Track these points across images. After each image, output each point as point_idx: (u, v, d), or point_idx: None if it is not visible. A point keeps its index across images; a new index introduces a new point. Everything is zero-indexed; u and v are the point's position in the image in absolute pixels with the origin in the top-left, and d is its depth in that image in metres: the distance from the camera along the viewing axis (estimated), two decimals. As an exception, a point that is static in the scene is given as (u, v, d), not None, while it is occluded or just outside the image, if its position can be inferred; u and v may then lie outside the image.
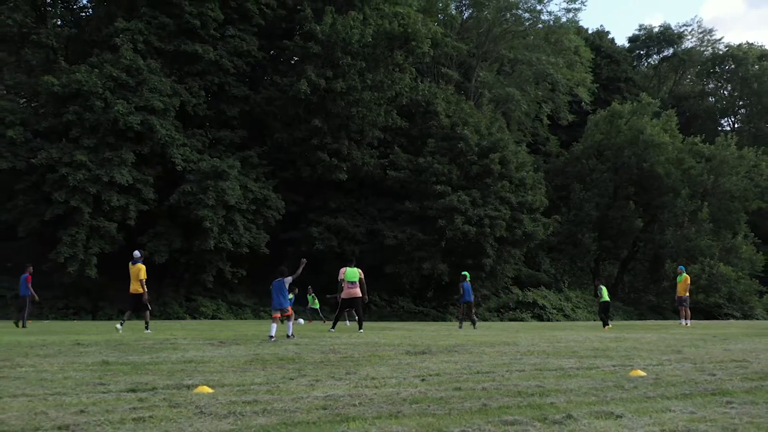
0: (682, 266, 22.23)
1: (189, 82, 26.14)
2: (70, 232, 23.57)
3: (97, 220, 23.94)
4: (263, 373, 6.13)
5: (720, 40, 51.84)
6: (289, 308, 11.30)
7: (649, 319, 32.98)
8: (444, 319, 29.23)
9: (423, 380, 5.62)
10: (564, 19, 39.19)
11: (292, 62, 27.64)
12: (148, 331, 12.55)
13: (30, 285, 16.63)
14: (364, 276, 14.23)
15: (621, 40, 63.10)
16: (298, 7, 28.15)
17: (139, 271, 12.89)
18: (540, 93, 36.09)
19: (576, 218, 37.35)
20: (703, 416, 3.99)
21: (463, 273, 18.70)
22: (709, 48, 51.43)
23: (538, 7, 36.24)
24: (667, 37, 51.48)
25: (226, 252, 26.22)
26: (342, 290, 14.06)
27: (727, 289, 34.82)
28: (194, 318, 26.31)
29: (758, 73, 47.42)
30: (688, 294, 20.02)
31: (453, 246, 27.99)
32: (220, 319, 26.56)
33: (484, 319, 28.29)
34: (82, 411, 4.09)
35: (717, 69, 50.71)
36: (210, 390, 4.97)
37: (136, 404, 4.33)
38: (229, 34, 26.82)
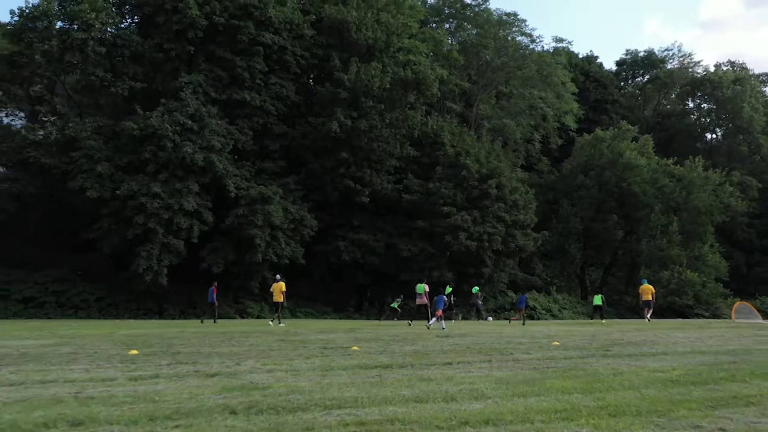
0: (644, 279, 29.63)
1: (239, 124, 32.83)
2: (147, 248, 30.19)
3: (167, 238, 30.58)
4: (370, 344, 12.85)
5: (699, 62, 59.10)
6: (439, 310, 18.65)
7: (626, 318, 39.82)
8: (449, 318, 35.94)
9: (451, 346, 12.37)
10: (553, 48, 46.19)
11: (324, 104, 34.14)
12: (282, 324, 19.76)
13: (215, 294, 24.86)
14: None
15: (610, 62, 69.67)
16: (328, 57, 34.82)
17: (282, 285, 20.34)
18: (532, 123, 42.96)
19: (564, 230, 44.16)
20: (557, 356, 10.73)
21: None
22: (689, 70, 58.51)
23: (531, 46, 43.05)
24: (650, 61, 58.60)
25: (270, 263, 32.92)
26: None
27: (694, 293, 41.63)
28: (242, 317, 33.05)
29: (732, 96, 54.29)
30: (648, 298, 26.94)
31: (457, 257, 34.75)
32: (263, 318, 33.26)
33: (483, 318, 35.00)
34: (322, 350, 10.82)
35: (696, 91, 57.66)
36: (358, 348, 11.70)
37: (338, 352, 11.06)
38: (272, 82, 33.51)
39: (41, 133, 31.29)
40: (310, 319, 33.48)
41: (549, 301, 40.63)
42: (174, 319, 31.83)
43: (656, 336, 15.18)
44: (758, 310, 47.50)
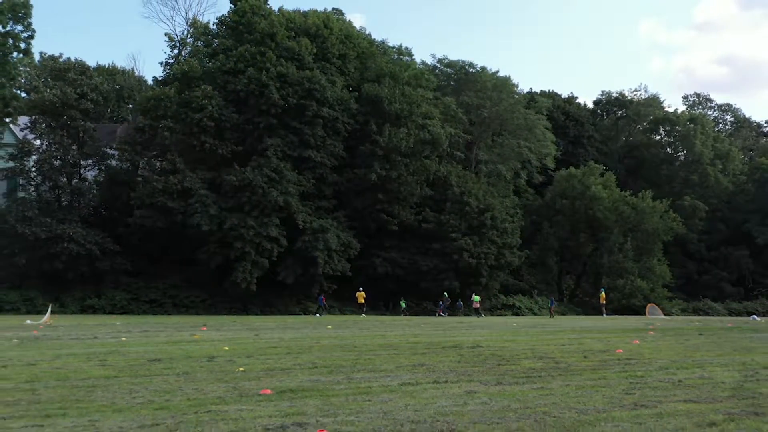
0: (603, 288, 46.58)
1: (305, 174, 48.65)
2: (242, 265, 45.93)
3: (256, 257, 46.39)
4: (426, 326, 28.81)
5: (662, 101, 76.10)
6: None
7: (590, 316, 56.03)
8: (453, 315, 51.97)
9: (464, 325, 28.42)
10: (540, 91, 62.31)
11: (364, 159, 49.96)
12: (365, 316, 35.72)
13: (325, 300, 42.52)
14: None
15: (594, 93, 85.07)
16: (367, 123, 50.71)
17: (363, 294, 37.00)
18: (519, 165, 59.21)
19: (545, 246, 60.41)
20: (510, 328, 26.77)
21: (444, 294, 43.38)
22: (654, 108, 75.13)
23: (518, 98, 59.16)
24: (621, 102, 75.26)
25: (326, 275, 48.80)
26: (472, 304, 38.48)
27: (643, 296, 57.93)
28: (304, 314, 49.01)
29: (686, 133, 70.65)
30: (604, 302, 43.41)
31: (461, 271, 50.78)
32: (319, 314, 49.23)
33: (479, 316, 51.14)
34: (404, 325, 26.89)
35: (659, 127, 74.19)
36: (423, 324, 27.70)
37: (414, 327, 27.08)
38: (327, 143, 49.31)
39: (166, 183, 46.98)
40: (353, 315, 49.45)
41: (531, 303, 56.95)
42: (257, 315, 47.64)
43: (565, 322, 31.25)
44: (700, 310, 64.36)
